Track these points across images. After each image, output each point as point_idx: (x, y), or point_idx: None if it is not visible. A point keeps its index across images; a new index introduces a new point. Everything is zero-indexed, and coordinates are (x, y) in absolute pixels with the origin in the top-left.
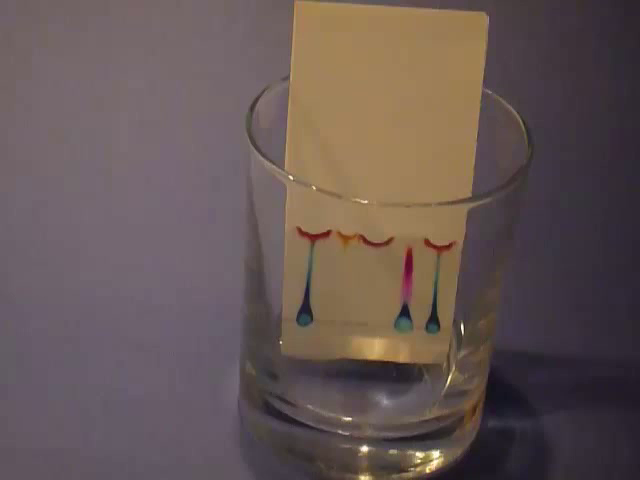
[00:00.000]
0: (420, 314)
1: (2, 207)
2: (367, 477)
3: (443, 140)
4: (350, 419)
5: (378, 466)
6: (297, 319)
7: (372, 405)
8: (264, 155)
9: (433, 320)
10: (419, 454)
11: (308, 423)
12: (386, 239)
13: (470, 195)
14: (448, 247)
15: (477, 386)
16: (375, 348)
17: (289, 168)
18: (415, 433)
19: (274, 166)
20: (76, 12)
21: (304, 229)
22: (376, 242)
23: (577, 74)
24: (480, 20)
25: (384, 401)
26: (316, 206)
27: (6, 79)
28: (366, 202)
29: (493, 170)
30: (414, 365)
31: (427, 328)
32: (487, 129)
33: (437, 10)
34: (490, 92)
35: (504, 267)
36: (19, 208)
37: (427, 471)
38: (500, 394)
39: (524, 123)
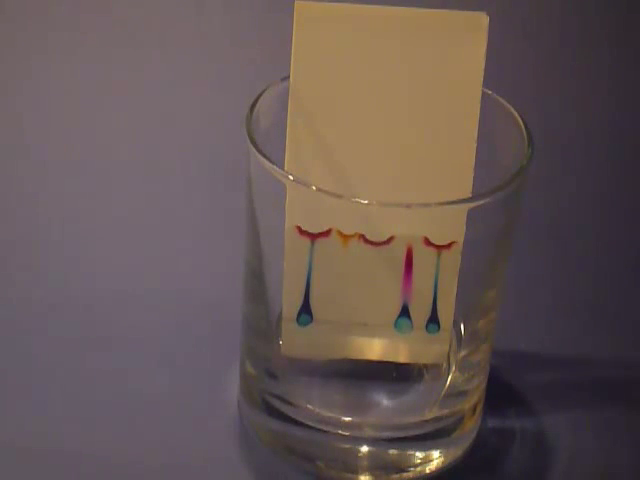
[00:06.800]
0: (420, 314)
1: (2, 207)
2: (367, 477)
3: (443, 140)
4: (350, 419)
5: (378, 466)
6: (297, 319)
7: (372, 405)
8: (264, 155)
9: (433, 320)
10: (419, 454)
11: (308, 423)
12: (386, 238)
13: (470, 195)
14: (448, 247)
15: (477, 386)
16: (375, 348)
17: (289, 168)
18: (415, 433)
19: (274, 166)
20: (76, 12)
21: (304, 228)
22: (376, 241)
23: (577, 74)
24: (480, 20)
25: (384, 401)
26: (316, 206)
27: (6, 79)
28: (366, 202)
29: (493, 170)
30: (414, 365)
31: (427, 328)
32: (487, 129)
33: (437, 10)
34: (490, 92)
35: (504, 267)
36: (19, 208)
37: (427, 471)
38: (500, 394)
39: (524, 123)
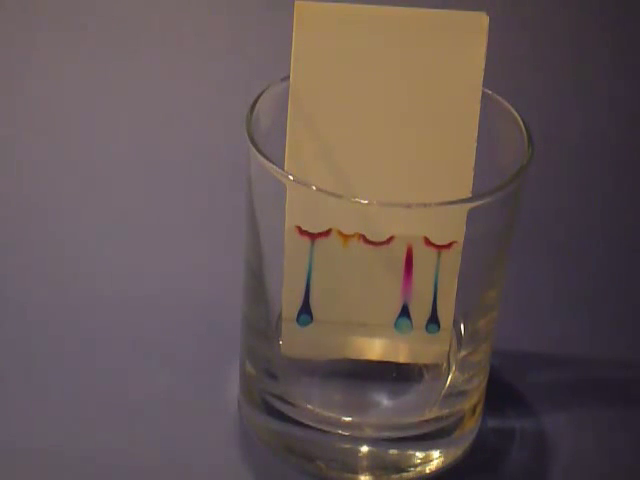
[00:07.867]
0: (420, 314)
1: (2, 207)
2: (367, 477)
3: (443, 140)
4: (350, 419)
5: (378, 466)
6: (297, 319)
7: (372, 405)
8: (264, 155)
9: (433, 320)
10: (419, 454)
11: (308, 423)
12: (386, 238)
13: (470, 195)
14: (448, 246)
15: (477, 386)
16: (375, 348)
17: (289, 168)
18: (415, 433)
19: (274, 166)
20: (76, 12)
21: (304, 228)
22: (376, 241)
23: (577, 74)
24: (480, 20)
25: (384, 401)
26: (316, 206)
27: (6, 79)
28: (366, 202)
29: (493, 170)
30: (414, 365)
31: (427, 328)
32: (487, 129)
33: (437, 10)
34: (490, 92)
35: (504, 267)
36: (19, 208)
37: (427, 471)
38: (500, 394)
39: (524, 123)
